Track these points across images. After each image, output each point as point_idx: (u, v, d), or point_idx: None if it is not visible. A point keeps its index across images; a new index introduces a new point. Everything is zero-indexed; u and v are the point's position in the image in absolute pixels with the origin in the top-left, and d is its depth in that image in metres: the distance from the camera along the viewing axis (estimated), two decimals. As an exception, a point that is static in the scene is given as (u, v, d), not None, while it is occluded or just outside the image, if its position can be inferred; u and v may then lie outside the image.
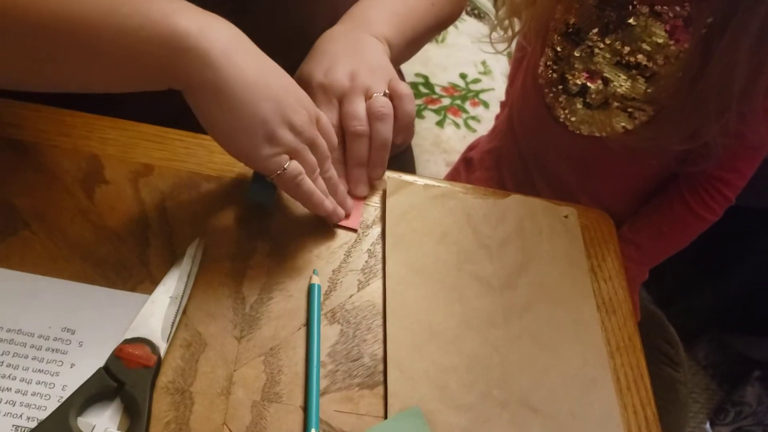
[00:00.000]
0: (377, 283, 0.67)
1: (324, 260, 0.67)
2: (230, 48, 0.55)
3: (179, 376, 0.57)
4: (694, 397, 1.77)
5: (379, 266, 0.68)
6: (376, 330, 0.64)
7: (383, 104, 0.70)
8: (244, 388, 0.57)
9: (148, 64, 0.54)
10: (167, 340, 0.57)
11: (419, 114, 1.31)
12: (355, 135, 0.70)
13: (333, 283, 0.66)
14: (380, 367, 0.62)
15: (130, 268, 0.62)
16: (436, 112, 1.32)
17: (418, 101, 1.34)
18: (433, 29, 0.86)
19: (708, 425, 1.71)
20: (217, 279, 0.63)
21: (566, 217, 0.76)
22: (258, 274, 0.64)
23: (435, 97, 1.35)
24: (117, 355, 0.55)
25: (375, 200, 0.74)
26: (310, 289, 0.64)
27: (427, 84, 1.36)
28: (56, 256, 0.61)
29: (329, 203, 0.66)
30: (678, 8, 0.82)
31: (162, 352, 0.57)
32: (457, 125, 1.32)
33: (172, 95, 0.58)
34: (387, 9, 0.79)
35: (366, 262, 0.69)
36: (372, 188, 0.74)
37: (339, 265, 0.68)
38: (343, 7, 0.81)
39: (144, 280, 0.61)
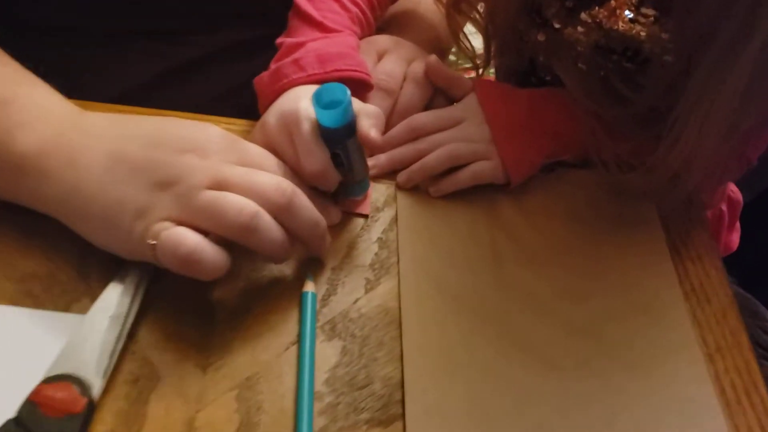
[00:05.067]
0: (391, 283, 0.51)
1: (320, 256, 0.52)
2: (72, 154, 0.45)
3: (121, 423, 0.42)
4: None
5: (394, 260, 0.53)
6: (390, 344, 0.48)
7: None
8: (209, 436, 0.42)
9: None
10: (104, 375, 0.43)
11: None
12: (378, 88, 0.58)
13: (333, 286, 0.51)
14: (397, 396, 0.46)
15: (65, 283, 0.47)
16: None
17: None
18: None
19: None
20: (176, 289, 0.48)
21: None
22: (232, 280, 0.49)
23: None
24: (33, 400, 0.41)
25: (388, 176, 0.58)
26: (302, 298, 0.49)
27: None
28: (-32, 272, 0.47)
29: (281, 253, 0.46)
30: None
31: (96, 392, 0.42)
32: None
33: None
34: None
35: (376, 255, 0.53)
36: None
37: (341, 261, 0.52)
38: None
39: (82, 297, 0.47)
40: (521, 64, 0.68)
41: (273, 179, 0.44)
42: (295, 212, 0.45)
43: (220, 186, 0.43)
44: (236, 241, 0.43)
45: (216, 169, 0.43)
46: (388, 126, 0.58)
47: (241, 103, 0.60)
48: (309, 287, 0.49)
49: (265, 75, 0.56)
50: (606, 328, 0.50)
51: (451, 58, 0.83)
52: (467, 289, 0.51)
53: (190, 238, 0.41)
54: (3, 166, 0.46)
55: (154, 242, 0.42)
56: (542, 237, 0.55)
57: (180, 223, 0.42)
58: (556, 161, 0.59)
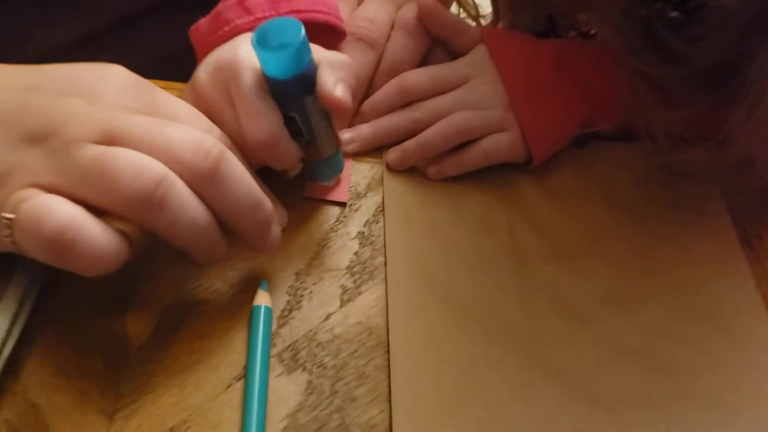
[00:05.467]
0: (376, 291, 0.38)
1: (280, 257, 0.39)
2: None
3: (-19, 501, 0.29)
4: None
5: (380, 261, 0.39)
6: (375, 377, 0.35)
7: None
8: None
9: None
10: (-41, 432, 0.30)
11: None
12: (357, 39, 0.44)
13: (296, 297, 0.38)
14: (383, 451, 0.33)
15: (-77, 296, 0.34)
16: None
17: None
18: None
19: None
20: (76, 307, 0.35)
21: (692, 158, 0.46)
22: (153, 293, 0.36)
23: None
24: None
25: (372, 153, 0.45)
26: (252, 315, 0.36)
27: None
28: None
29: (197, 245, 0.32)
30: None
31: (-54, 456, 0.29)
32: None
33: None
34: None
35: (356, 254, 0.40)
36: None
37: (308, 261, 0.39)
38: None
39: (-54, 316, 0.34)
40: (538, 22, 0.55)
41: (191, 134, 0.31)
42: (225, 183, 0.31)
43: (113, 140, 0.29)
44: (136, 222, 0.30)
45: (108, 116, 0.30)
46: (372, 89, 0.45)
47: (191, 66, 0.47)
48: (262, 299, 0.36)
49: (202, 23, 0.42)
50: (667, 347, 0.37)
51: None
52: (479, 297, 0.38)
53: (60, 210, 0.28)
54: None
55: (10, 216, 0.28)
56: (577, 227, 0.42)
57: (52, 192, 0.29)
58: (589, 133, 0.46)
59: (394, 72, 0.44)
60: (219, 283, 0.37)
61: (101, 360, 0.34)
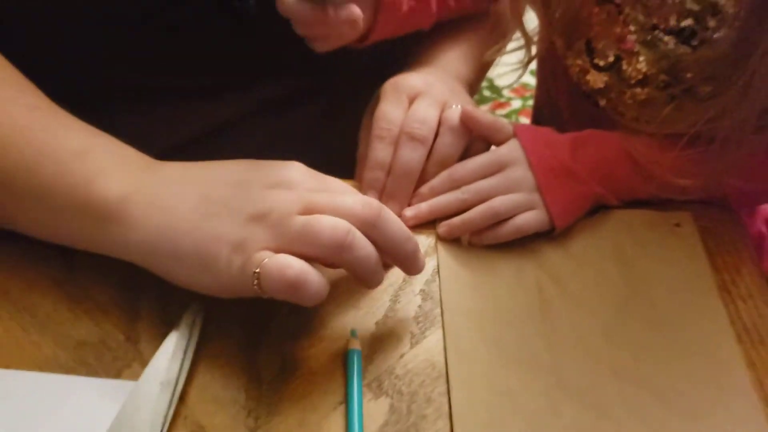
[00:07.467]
0: (436, 335, 0.51)
1: (363, 310, 0.52)
2: (156, 199, 0.47)
3: (175, 491, 0.43)
4: None
5: (438, 311, 0.52)
6: (438, 400, 0.48)
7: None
8: (261, 501, 0.43)
9: (74, 229, 0.49)
10: (157, 444, 0.43)
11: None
12: (410, 138, 0.58)
13: (377, 341, 0.51)
14: (447, 453, 0.45)
15: (115, 349, 0.48)
16: (506, 117, 1.15)
17: (484, 107, 1.17)
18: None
19: None
20: (224, 352, 0.49)
21: (677, 225, 0.58)
22: (277, 341, 0.50)
23: (503, 101, 1.17)
24: (88, 472, 0.41)
25: (428, 226, 0.58)
26: (348, 356, 0.49)
27: (492, 87, 1.19)
28: (23, 342, 0.48)
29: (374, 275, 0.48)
30: None
31: (150, 460, 0.43)
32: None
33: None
34: (459, 50, 0.72)
35: (419, 307, 0.53)
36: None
37: (384, 314, 0.52)
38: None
39: (132, 362, 0.48)
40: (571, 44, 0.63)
41: (358, 197, 0.48)
42: (385, 226, 0.47)
43: (309, 211, 0.45)
44: (332, 262, 0.46)
45: (304, 196, 0.46)
46: (423, 174, 0.58)
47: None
48: (354, 345, 0.49)
49: None
50: (659, 373, 0.49)
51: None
52: (515, 339, 0.50)
53: (295, 262, 0.43)
54: (85, 214, 0.47)
55: (257, 270, 0.43)
56: (590, 280, 0.54)
57: (278, 251, 0.44)
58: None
59: (443, 164, 0.58)
60: (321, 332, 0.50)
61: (243, 392, 0.47)
